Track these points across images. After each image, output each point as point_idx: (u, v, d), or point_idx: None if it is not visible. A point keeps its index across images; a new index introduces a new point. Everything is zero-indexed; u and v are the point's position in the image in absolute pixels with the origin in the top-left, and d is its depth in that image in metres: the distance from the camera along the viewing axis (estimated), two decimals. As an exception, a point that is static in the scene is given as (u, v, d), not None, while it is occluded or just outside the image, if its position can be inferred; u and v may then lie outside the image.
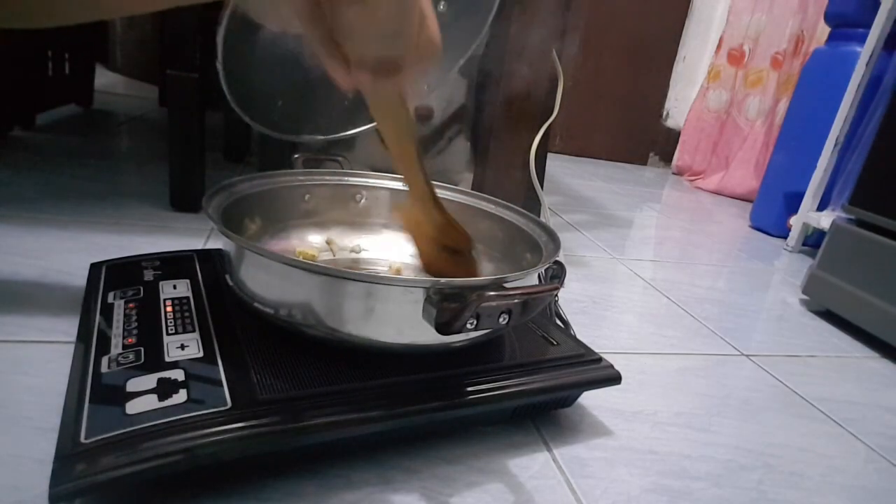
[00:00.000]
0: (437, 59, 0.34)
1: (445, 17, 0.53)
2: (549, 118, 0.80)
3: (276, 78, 0.48)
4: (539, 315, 0.48)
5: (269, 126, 0.48)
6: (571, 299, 0.70)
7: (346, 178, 0.56)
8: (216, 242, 0.66)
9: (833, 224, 0.80)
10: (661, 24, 1.92)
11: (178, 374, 0.34)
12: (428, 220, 0.44)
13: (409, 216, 0.45)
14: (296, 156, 0.54)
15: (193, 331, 0.38)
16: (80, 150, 0.96)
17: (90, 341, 0.37)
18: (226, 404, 0.31)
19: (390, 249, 0.55)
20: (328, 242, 0.54)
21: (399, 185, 0.57)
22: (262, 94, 0.48)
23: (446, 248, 0.44)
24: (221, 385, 0.33)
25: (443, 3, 0.53)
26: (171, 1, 0.44)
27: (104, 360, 0.35)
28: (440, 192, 0.56)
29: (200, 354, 0.36)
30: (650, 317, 0.70)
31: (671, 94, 2.01)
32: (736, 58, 1.74)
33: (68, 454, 0.28)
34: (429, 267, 0.46)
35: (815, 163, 1.15)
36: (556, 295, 0.55)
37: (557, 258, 0.44)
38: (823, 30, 1.41)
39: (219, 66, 0.41)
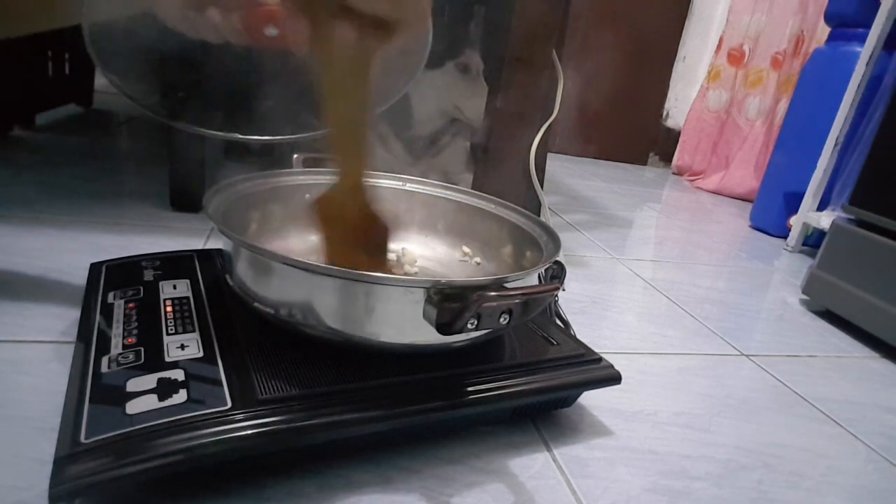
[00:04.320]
0: (423, 35, 0.33)
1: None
2: (549, 118, 0.80)
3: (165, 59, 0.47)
4: (539, 315, 0.48)
5: (150, 108, 0.48)
6: (571, 299, 0.70)
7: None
8: (216, 242, 0.66)
9: (833, 224, 0.80)
10: (661, 24, 1.92)
11: (178, 374, 0.33)
12: (352, 211, 0.41)
13: (329, 204, 0.42)
14: (296, 156, 0.54)
15: (193, 331, 0.38)
16: (80, 150, 0.96)
17: (90, 341, 0.37)
18: (226, 404, 0.31)
19: (394, 247, 0.55)
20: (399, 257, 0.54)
21: (398, 185, 0.57)
22: (142, 67, 0.48)
23: (358, 242, 0.42)
24: (221, 385, 0.33)
25: None
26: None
27: (104, 360, 0.35)
28: (440, 192, 0.56)
29: (200, 354, 0.36)
30: (650, 317, 0.70)
31: (671, 94, 2.01)
32: (736, 58, 1.74)
33: (68, 454, 0.28)
34: (333, 259, 0.43)
35: (815, 163, 1.15)
36: (556, 295, 0.55)
37: (557, 258, 0.44)
38: (823, 30, 1.41)
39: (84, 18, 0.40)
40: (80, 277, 0.47)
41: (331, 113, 0.37)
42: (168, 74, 0.49)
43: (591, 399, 0.47)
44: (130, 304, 0.41)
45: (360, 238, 0.42)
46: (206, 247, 0.62)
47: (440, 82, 0.85)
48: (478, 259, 0.54)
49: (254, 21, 0.45)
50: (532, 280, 0.40)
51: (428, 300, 0.33)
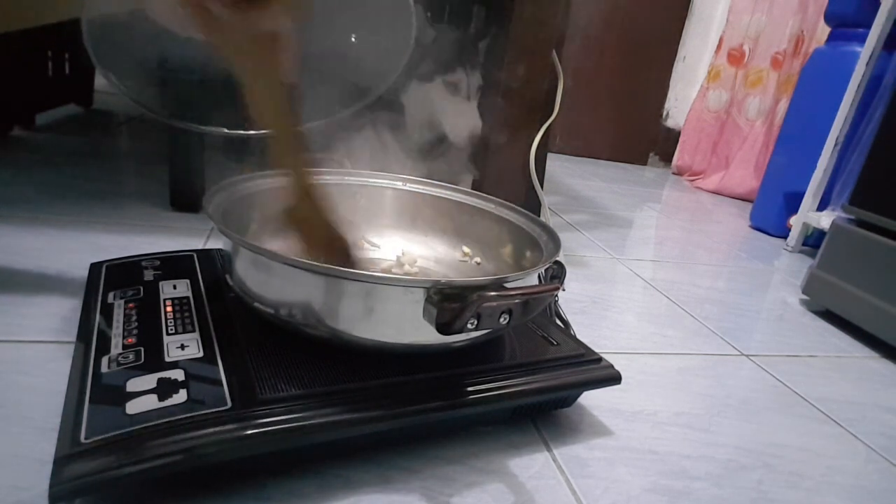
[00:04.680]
0: (406, 32, 0.33)
1: (356, 50, 0.54)
2: (549, 118, 0.80)
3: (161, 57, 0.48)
4: (539, 315, 0.48)
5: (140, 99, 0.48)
6: (571, 299, 0.70)
7: (346, 178, 0.56)
8: (216, 242, 0.66)
9: (833, 224, 0.80)
10: (661, 24, 1.91)
11: (178, 374, 0.34)
12: (313, 214, 0.41)
13: (295, 213, 0.41)
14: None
15: (193, 331, 0.38)
16: (80, 150, 0.96)
17: (90, 341, 0.37)
18: (226, 404, 0.31)
19: (394, 248, 0.55)
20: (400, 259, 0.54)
21: (398, 185, 0.57)
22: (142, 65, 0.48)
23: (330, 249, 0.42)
24: (221, 385, 0.33)
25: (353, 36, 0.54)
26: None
27: (104, 360, 0.35)
28: (440, 192, 0.56)
29: (200, 354, 0.36)
30: (650, 317, 0.70)
31: (671, 94, 2.01)
32: (736, 58, 1.74)
33: (68, 454, 0.28)
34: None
35: (815, 163, 1.15)
36: (556, 295, 0.55)
37: (557, 258, 0.44)
38: (823, 30, 1.40)
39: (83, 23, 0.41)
40: (80, 277, 0.47)
41: (251, 105, 0.36)
42: (166, 71, 0.49)
43: (591, 399, 0.47)
44: (130, 304, 0.41)
45: (328, 245, 0.42)
46: (206, 247, 0.62)
47: (429, 93, 0.84)
48: (478, 259, 0.54)
49: None
50: (532, 280, 0.40)
51: (428, 300, 0.33)
